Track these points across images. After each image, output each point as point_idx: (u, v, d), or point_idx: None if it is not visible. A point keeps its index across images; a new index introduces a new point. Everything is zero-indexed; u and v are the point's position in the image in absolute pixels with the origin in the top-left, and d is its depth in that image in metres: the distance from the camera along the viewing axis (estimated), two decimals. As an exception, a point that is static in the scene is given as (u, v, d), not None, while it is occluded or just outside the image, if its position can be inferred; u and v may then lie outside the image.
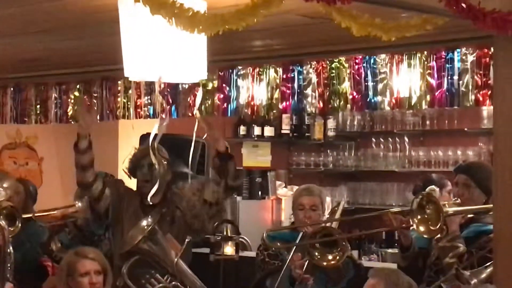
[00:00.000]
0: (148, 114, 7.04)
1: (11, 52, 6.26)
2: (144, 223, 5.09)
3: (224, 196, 5.43)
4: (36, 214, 6.13)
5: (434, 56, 5.38)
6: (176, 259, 4.94)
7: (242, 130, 8.37)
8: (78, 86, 7.55)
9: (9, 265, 5.05)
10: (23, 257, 5.58)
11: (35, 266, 6.05)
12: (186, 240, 5.03)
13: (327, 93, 5.85)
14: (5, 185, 5.32)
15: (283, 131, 8.57)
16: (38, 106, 7.86)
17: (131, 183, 5.67)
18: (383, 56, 5.60)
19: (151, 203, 5.33)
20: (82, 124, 5.29)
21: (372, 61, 5.64)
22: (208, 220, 5.45)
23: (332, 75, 5.82)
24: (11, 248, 5.08)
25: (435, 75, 5.38)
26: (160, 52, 3.40)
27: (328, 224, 4.98)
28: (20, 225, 5.33)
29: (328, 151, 8.83)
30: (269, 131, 8.40)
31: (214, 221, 5.57)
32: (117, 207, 5.42)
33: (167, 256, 5.00)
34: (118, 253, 5.22)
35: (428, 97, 5.41)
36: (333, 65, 5.82)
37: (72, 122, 7.63)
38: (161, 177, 5.31)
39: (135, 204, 5.43)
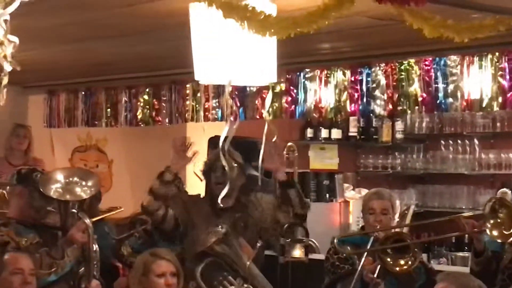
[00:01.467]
0: (216, 117, 7.08)
1: (83, 57, 6.37)
2: (218, 226, 5.12)
3: (294, 222, 5.44)
4: (103, 214, 6.24)
5: (506, 57, 5.30)
6: (248, 263, 4.97)
7: (309, 132, 8.35)
8: (147, 90, 7.64)
9: (95, 262, 5.14)
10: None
11: (105, 266, 6.13)
12: (258, 244, 5.05)
13: (396, 95, 5.82)
14: (89, 183, 5.39)
15: (350, 134, 8.52)
16: (109, 110, 7.98)
17: (200, 187, 5.70)
18: (453, 57, 5.53)
19: (223, 206, 5.35)
20: (173, 165, 5.31)
21: (442, 62, 5.58)
22: (276, 238, 5.46)
23: (401, 77, 5.78)
24: (96, 245, 5.16)
25: (507, 77, 5.30)
26: (231, 55, 3.42)
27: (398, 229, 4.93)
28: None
29: (396, 154, 8.74)
30: (336, 133, 8.36)
31: (281, 241, 5.57)
32: (186, 219, 5.42)
33: (239, 259, 5.03)
34: (191, 255, 5.25)
35: (499, 99, 5.33)
36: (402, 67, 5.78)
37: (142, 125, 7.72)
38: (233, 180, 5.31)
39: (206, 208, 5.43)
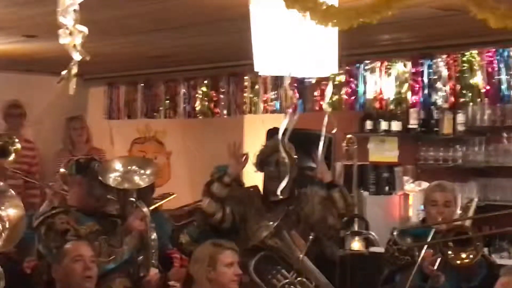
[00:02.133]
0: (274, 109, 7.06)
1: (142, 49, 6.40)
2: (270, 219, 5.10)
3: (340, 225, 5.41)
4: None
5: None
6: (301, 256, 4.94)
7: (369, 124, 8.28)
8: (206, 82, 7.65)
9: (153, 251, 5.18)
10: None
11: (162, 256, 6.17)
12: (310, 237, 5.03)
13: (458, 86, 5.73)
14: (148, 172, 5.42)
15: (410, 126, 8.42)
16: (167, 102, 8.02)
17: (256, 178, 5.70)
18: (517, 48, 5.44)
19: (275, 200, 5.35)
20: (232, 169, 5.34)
21: (506, 53, 5.48)
22: (323, 236, 5.43)
23: (463, 68, 5.69)
24: (154, 234, 5.19)
25: None
26: (292, 46, 3.39)
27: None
28: None
29: (457, 146, 8.61)
30: (396, 125, 8.27)
31: (328, 241, 5.54)
32: (240, 214, 5.42)
33: (292, 253, 5.01)
34: (243, 249, 5.25)
35: None
36: (464, 58, 5.69)
37: (200, 117, 7.74)
38: (287, 174, 5.32)
39: (258, 201, 5.44)
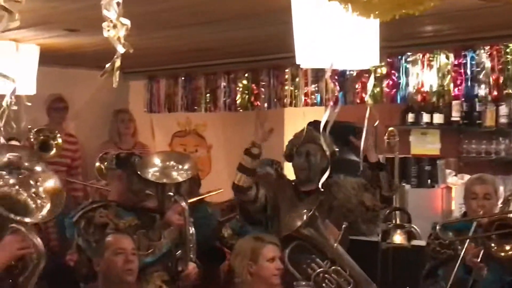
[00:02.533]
0: (315, 101, 7.03)
1: (183, 42, 6.41)
2: (303, 209, 5.11)
3: (380, 206, 5.38)
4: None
5: None
6: (335, 245, 4.95)
7: (410, 117, 8.23)
8: (246, 75, 7.64)
9: (191, 245, 5.20)
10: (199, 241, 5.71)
11: (210, 249, 6.19)
12: (343, 226, 5.03)
13: (502, 78, 5.66)
14: (185, 167, 5.45)
15: (453, 118, 8.36)
16: (208, 95, 8.02)
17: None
18: (563, 39, 5.36)
19: (306, 190, 5.37)
20: (258, 137, 5.36)
21: (550, 45, 5.41)
22: (361, 221, 5.42)
23: (507, 60, 5.61)
24: (193, 228, 5.22)
25: None
26: (333, 39, 3.36)
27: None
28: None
29: (500, 139, 8.53)
30: (438, 118, 8.22)
31: (368, 226, 5.52)
32: (273, 201, 5.46)
33: (326, 241, 5.02)
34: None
35: None
36: (508, 50, 5.61)
37: (240, 110, 7.74)
38: (317, 164, 5.35)
39: (290, 191, 5.47)
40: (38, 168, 3.57)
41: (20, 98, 5.94)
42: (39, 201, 3.46)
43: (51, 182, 3.54)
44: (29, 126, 6.51)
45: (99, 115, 8.52)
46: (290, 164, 5.71)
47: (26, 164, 3.55)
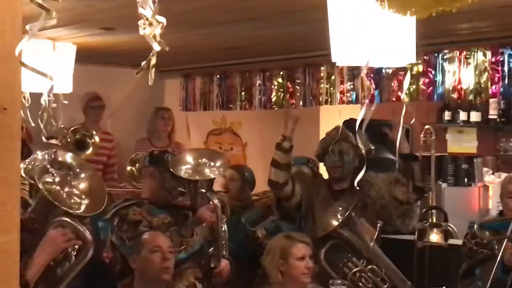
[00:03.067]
0: (350, 99, 7.01)
1: (218, 40, 6.42)
2: (338, 208, 5.10)
3: (414, 197, 5.34)
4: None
5: None
6: (371, 244, 4.92)
7: (447, 115, 8.17)
8: (281, 73, 7.63)
9: (223, 242, 5.21)
10: (240, 244, 5.73)
11: (252, 252, 6.20)
12: (378, 224, 5.00)
13: (540, 76, 5.60)
14: (217, 164, 5.46)
15: (490, 116, 8.28)
16: (243, 93, 8.03)
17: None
18: None
19: (338, 189, 5.35)
20: (286, 130, 5.38)
21: None
22: (396, 216, 5.38)
23: (545, 57, 5.56)
24: (225, 226, 5.23)
25: None
26: (369, 36, 3.34)
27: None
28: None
29: (538, 137, 8.47)
30: (475, 116, 8.15)
31: (403, 220, 5.49)
32: (308, 199, 5.45)
33: (362, 240, 4.99)
34: (312, 238, 5.25)
35: None
36: (546, 47, 5.56)
37: (276, 108, 7.73)
38: (349, 162, 5.34)
39: (324, 190, 5.46)
40: (77, 167, 3.61)
41: (58, 96, 5.99)
42: (77, 199, 3.49)
43: (91, 181, 3.57)
44: (61, 126, 6.50)
45: (134, 113, 8.57)
46: (320, 161, 5.71)
47: (66, 162, 3.59)
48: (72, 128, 6.77)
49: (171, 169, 5.24)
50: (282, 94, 7.61)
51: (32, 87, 5.53)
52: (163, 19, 2.05)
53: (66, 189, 3.53)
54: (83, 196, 3.50)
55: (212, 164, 5.46)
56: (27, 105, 5.44)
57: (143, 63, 2.10)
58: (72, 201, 3.51)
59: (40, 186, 3.39)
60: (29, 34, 1.98)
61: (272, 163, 5.40)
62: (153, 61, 2.02)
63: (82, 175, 3.57)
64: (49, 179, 3.54)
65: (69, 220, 3.47)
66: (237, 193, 6.37)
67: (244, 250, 5.73)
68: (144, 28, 2.04)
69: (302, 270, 4.71)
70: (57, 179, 3.55)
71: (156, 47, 2.04)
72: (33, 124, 5.31)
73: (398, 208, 5.34)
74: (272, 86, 7.71)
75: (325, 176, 5.74)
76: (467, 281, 5.07)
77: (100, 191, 3.57)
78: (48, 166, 3.53)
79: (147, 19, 2.01)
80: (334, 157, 5.43)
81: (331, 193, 5.43)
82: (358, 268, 5.01)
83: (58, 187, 3.53)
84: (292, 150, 5.40)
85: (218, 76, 8.29)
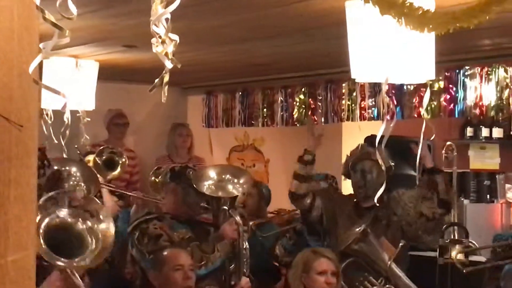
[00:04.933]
0: (372, 116, 7.01)
1: (241, 58, 6.46)
2: (357, 225, 5.10)
3: (440, 212, 5.32)
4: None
5: None
6: (389, 262, 4.90)
7: (469, 131, 8.13)
8: (303, 89, 7.65)
9: (245, 259, 5.21)
10: (257, 260, 5.74)
11: (268, 267, 6.20)
12: (400, 244, 4.98)
13: (562, 92, 5.58)
14: (241, 181, 5.48)
15: (512, 133, 8.24)
16: (265, 109, 8.05)
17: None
18: None
19: (366, 206, 5.35)
20: (310, 144, 5.43)
21: None
22: (423, 233, 5.36)
23: None
24: (246, 243, 5.23)
25: None
26: (388, 53, 3.36)
27: None
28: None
29: (561, 154, 8.40)
30: (497, 132, 8.10)
31: (430, 235, 5.47)
32: (330, 214, 5.46)
33: (380, 259, 4.97)
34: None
35: None
36: None
37: (297, 125, 7.74)
38: (373, 181, 5.34)
39: (350, 207, 5.46)
40: (97, 206, 3.56)
41: (81, 114, 6.04)
42: (94, 240, 3.44)
43: (107, 223, 3.51)
44: (77, 145, 6.42)
45: (157, 130, 8.62)
46: (347, 179, 5.71)
47: (86, 201, 3.55)
48: (101, 147, 6.71)
49: (194, 185, 5.26)
50: (304, 111, 7.63)
51: (55, 104, 5.61)
52: (176, 37, 2.08)
53: (82, 226, 3.48)
54: (98, 240, 3.45)
55: (235, 180, 5.48)
56: (50, 122, 5.49)
57: (156, 80, 2.13)
58: (88, 239, 3.46)
59: (41, 226, 3.34)
60: (43, 52, 2.01)
61: (293, 175, 5.46)
62: (166, 78, 2.04)
63: (101, 215, 3.51)
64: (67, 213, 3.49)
65: (68, 270, 3.43)
66: (254, 208, 6.39)
67: (259, 264, 5.73)
68: (157, 46, 2.07)
69: (321, 284, 4.72)
70: (74, 213, 3.50)
71: (169, 65, 2.07)
72: (55, 141, 5.36)
73: (426, 224, 5.32)
74: (294, 103, 7.73)
75: (348, 192, 5.75)
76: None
77: (110, 237, 3.51)
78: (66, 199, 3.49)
79: (159, 37, 2.04)
80: (357, 176, 5.43)
81: (357, 210, 5.42)
82: (375, 287, 4.99)
83: (74, 222, 3.48)
84: (313, 164, 5.43)
85: (240, 92, 8.32)
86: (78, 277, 3.45)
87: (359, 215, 5.35)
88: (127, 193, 6.86)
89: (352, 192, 5.64)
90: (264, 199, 6.49)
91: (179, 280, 4.52)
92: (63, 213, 3.43)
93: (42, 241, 3.27)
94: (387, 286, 4.98)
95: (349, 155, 5.65)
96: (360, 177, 5.41)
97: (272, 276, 6.29)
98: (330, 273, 4.74)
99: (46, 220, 3.37)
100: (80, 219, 3.42)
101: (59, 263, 3.33)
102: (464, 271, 5.00)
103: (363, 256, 5.03)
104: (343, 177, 5.97)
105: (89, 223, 3.43)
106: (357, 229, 5.05)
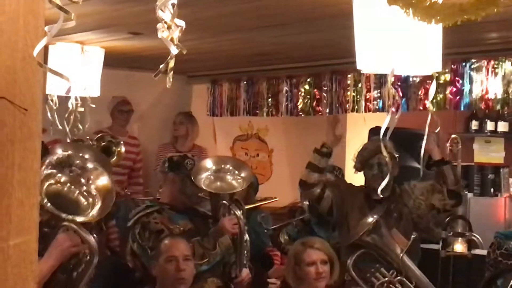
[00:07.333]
0: (377, 107, 6.99)
1: (246, 47, 6.44)
2: (369, 217, 5.08)
3: (450, 203, 5.31)
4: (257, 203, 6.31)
5: None
6: (401, 254, 4.89)
7: (474, 125, 8.13)
8: (308, 80, 7.63)
9: (245, 252, 5.21)
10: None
11: (260, 255, 6.20)
12: (412, 236, 4.97)
13: None
14: (242, 174, 5.46)
15: (517, 127, 8.24)
16: (270, 99, 8.04)
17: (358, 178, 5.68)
18: None
19: (377, 198, 5.32)
20: (329, 140, 5.42)
21: None
22: (434, 225, 5.35)
23: None
24: (247, 236, 5.23)
25: None
26: (394, 44, 3.34)
27: None
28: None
29: None
30: (503, 126, 8.10)
31: (442, 228, 5.46)
32: (340, 206, 5.44)
33: (391, 251, 4.97)
34: (344, 246, 5.25)
35: None
36: None
37: (302, 115, 7.73)
38: (390, 173, 5.30)
39: (361, 199, 5.43)
40: (90, 166, 3.59)
41: (85, 99, 6.03)
42: (90, 199, 3.48)
43: (103, 180, 3.56)
44: (88, 137, 6.42)
45: (161, 118, 8.61)
46: (353, 171, 5.68)
47: (77, 162, 3.58)
48: (98, 136, 6.70)
49: (193, 178, 5.23)
50: (309, 101, 7.61)
51: (60, 90, 5.59)
52: (182, 23, 2.06)
53: (77, 190, 3.51)
54: (95, 197, 3.49)
55: (236, 173, 5.46)
56: (54, 107, 5.48)
57: (161, 66, 2.12)
58: (84, 202, 3.50)
59: (43, 189, 3.36)
60: (48, 35, 1.99)
61: (307, 165, 5.45)
62: (171, 64, 2.03)
63: (94, 176, 3.55)
64: (60, 179, 3.51)
65: (74, 225, 3.45)
66: (243, 197, 6.37)
67: (252, 252, 5.72)
68: (163, 32, 2.05)
69: (313, 275, 4.77)
70: (67, 179, 3.52)
71: (174, 51, 2.05)
72: (60, 127, 5.35)
73: (437, 216, 5.32)
74: (299, 93, 7.70)
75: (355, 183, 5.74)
76: (489, 291, 5.04)
77: (110, 193, 3.55)
78: (57, 166, 3.50)
79: (165, 22, 2.02)
80: (374, 170, 5.39)
81: (368, 202, 5.40)
82: (386, 279, 4.98)
83: (68, 188, 3.51)
84: (329, 158, 5.43)
85: (245, 82, 8.30)
86: (86, 231, 3.47)
87: (370, 207, 5.33)
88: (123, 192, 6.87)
89: (363, 184, 5.61)
90: (252, 188, 6.44)
91: (172, 272, 4.50)
92: (63, 178, 3.47)
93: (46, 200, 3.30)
94: (398, 278, 4.97)
95: (362, 149, 5.59)
96: (377, 170, 5.36)
97: (266, 263, 6.30)
98: (320, 262, 4.78)
99: (46, 184, 3.40)
100: (77, 184, 3.46)
101: (67, 217, 3.34)
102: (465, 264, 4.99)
103: (375, 248, 5.02)
104: (348, 169, 5.94)
105: (84, 187, 3.47)
106: (369, 221, 5.04)
